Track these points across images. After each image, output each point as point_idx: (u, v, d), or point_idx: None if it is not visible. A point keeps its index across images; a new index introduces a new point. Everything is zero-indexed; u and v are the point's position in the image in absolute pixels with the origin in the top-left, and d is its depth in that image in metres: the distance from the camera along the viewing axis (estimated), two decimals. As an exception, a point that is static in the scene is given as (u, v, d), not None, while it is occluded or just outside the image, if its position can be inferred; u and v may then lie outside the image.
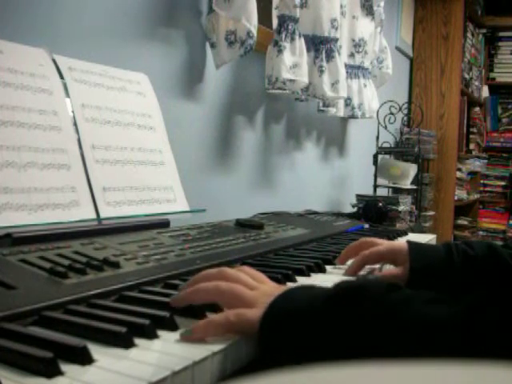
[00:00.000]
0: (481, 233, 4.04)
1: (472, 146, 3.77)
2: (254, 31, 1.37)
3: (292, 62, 1.54)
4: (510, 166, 4.10)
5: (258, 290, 0.57)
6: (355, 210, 1.95)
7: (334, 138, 2.26)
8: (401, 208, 2.03)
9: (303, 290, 0.55)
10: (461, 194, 3.41)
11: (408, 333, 0.46)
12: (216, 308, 0.57)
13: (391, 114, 2.39)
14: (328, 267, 0.85)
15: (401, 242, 0.90)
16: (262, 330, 0.51)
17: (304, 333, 0.50)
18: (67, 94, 0.91)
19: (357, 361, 0.46)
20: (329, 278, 0.80)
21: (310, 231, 1.12)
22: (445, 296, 0.50)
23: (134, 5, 1.21)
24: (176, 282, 0.66)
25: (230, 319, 0.51)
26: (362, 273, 0.87)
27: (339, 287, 0.53)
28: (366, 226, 1.45)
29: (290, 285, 0.70)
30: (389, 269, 0.89)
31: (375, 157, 2.25)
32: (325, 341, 0.49)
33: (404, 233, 1.36)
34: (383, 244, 0.90)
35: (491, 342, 0.43)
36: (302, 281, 0.74)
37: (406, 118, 2.72)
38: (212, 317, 0.52)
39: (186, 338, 0.49)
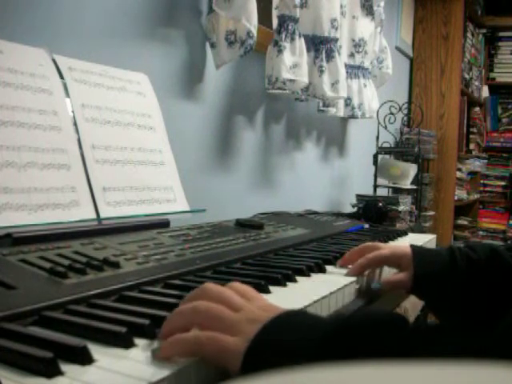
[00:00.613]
0: (481, 233, 4.04)
1: (472, 146, 3.77)
2: (254, 31, 1.37)
3: (292, 62, 1.54)
4: (510, 166, 4.10)
5: (242, 312, 0.48)
6: (355, 210, 1.95)
7: (334, 138, 2.26)
8: (401, 208, 2.03)
9: (295, 319, 0.47)
10: (461, 194, 3.41)
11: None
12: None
13: (391, 114, 2.39)
14: (328, 267, 0.85)
15: (404, 245, 0.90)
16: (245, 366, 0.44)
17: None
18: (67, 94, 0.91)
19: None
20: (329, 278, 0.80)
21: (309, 231, 1.12)
22: (454, 327, 0.45)
23: (133, 5, 1.21)
24: (176, 282, 0.66)
25: (202, 340, 0.45)
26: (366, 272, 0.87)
27: (340, 322, 0.47)
28: (366, 226, 1.45)
29: (290, 286, 0.70)
30: (393, 273, 0.89)
31: (375, 157, 2.25)
32: None
33: (404, 233, 1.36)
34: (386, 248, 0.90)
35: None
36: (302, 281, 0.74)
37: (405, 118, 2.72)
38: (182, 334, 0.46)
39: (155, 356, 0.44)
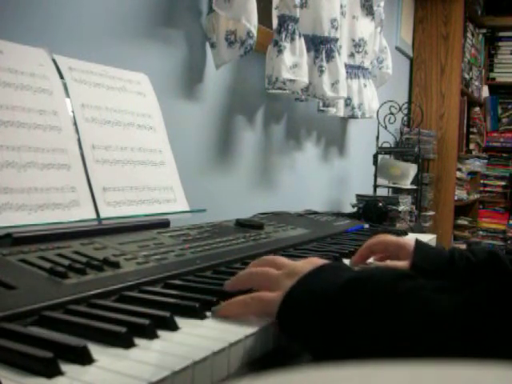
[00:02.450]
0: (481, 233, 4.04)
1: (472, 146, 3.78)
2: (254, 31, 1.37)
3: (292, 62, 1.54)
4: (510, 166, 4.10)
5: (284, 269, 0.60)
6: (355, 210, 1.95)
7: (334, 138, 2.26)
8: (401, 208, 2.03)
9: (325, 273, 0.57)
10: (461, 194, 3.41)
11: (412, 321, 0.48)
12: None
13: (391, 114, 2.39)
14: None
15: (409, 239, 0.92)
16: (279, 315, 0.54)
17: (318, 320, 0.52)
18: (67, 94, 0.91)
19: (364, 352, 0.48)
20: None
21: (310, 231, 1.12)
22: (450, 284, 0.52)
23: (133, 5, 1.21)
24: (176, 282, 0.66)
25: (247, 300, 0.56)
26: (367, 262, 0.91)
27: (352, 276, 0.55)
28: (366, 225, 1.45)
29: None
30: (393, 262, 0.90)
31: (375, 157, 2.25)
32: (337, 328, 0.51)
33: (404, 233, 1.36)
34: (392, 237, 0.93)
35: (489, 334, 0.44)
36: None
37: (406, 118, 2.72)
38: (235, 297, 0.57)
39: (215, 314, 0.55)
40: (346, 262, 0.92)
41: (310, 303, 0.53)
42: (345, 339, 0.50)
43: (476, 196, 3.87)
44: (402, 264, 0.87)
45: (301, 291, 0.55)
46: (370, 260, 0.93)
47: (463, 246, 3.48)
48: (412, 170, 2.30)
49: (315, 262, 0.61)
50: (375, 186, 2.25)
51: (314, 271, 0.58)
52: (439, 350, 0.45)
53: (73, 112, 0.90)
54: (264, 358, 0.54)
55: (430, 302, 0.48)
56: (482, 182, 4.06)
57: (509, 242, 3.95)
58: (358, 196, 2.04)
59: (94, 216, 0.85)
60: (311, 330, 0.53)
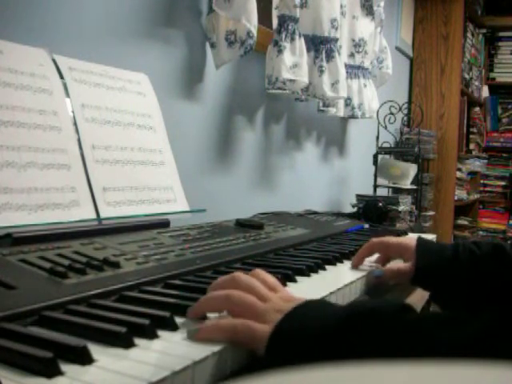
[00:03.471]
0: (481, 233, 4.04)
1: (472, 146, 3.77)
2: (254, 31, 1.37)
3: (292, 62, 1.54)
4: (510, 166, 4.10)
5: (270, 303, 0.54)
6: (355, 210, 1.95)
7: (334, 138, 2.26)
8: (401, 208, 2.03)
9: (313, 308, 0.53)
10: (461, 194, 3.41)
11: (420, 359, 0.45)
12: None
13: (391, 114, 2.39)
14: (328, 267, 0.85)
15: (410, 238, 0.91)
16: (268, 351, 0.50)
17: (313, 357, 0.48)
18: (67, 94, 0.91)
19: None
20: (329, 278, 0.80)
21: (310, 231, 1.12)
22: (455, 316, 0.49)
23: (133, 5, 1.21)
24: (176, 282, 0.66)
25: (237, 328, 0.50)
26: (366, 264, 0.90)
27: (351, 310, 0.52)
28: (366, 226, 1.45)
29: (290, 285, 0.71)
30: (396, 264, 0.90)
31: (375, 157, 2.25)
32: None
33: (404, 233, 1.36)
34: (393, 239, 0.92)
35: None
36: (302, 281, 0.74)
37: (405, 118, 2.72)
38: (220, 321, 0.52)
39: (191, 337, 0.49)
40: (347, 262, 0.92)
41: (304, 340, 0.49)
42: None
43: (476, 196, 3.86)
44: (406, 267, 0.86)
45: (291, 329, 0.50)
46: (373, 261, 0.92)
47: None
48: (412, 169, 2.30)
49: (291, 299, 0.56)
50: (375, 186, 2.25)
51: (301, 307, 0.53)
52: None
53: (73, 112, 0.90)
54: (264, 358, 0.54)
55: (435, 340, 0.46)
56: (482, 182, 4.06)
57: (509, 241, 3.95)
58: (358, 196, 2.04)
59: (94, 216, 0.85)
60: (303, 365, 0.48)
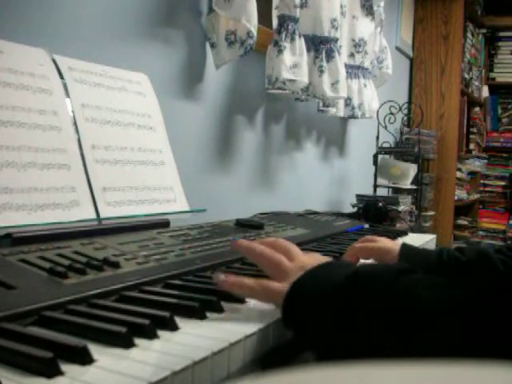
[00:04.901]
0: (481, 233, 4.04)
1: (472, 146, 3.77)
2: (254, 31, 1.37)
3: (292, 62, 1.54)
4: (510, 166, 4.10)
5: (296, 261, 0.62)
6: (355, 209, 1.95)
7: (334, 138, 2.26)
8: (401, 208, 2.03)
9: (326, 269, 0.59)
10: (461, 194, 3.41)
11: (411, 316, 0.49)
12: (217, 308, 0.57)
13: (391, 114, 2.39)
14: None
15: (394, 242, 0.91)
16: (285, 305, 0.56)
17: (320, 314, 0.54)
18: (67, 94, 0.91)
19: (363, 348, 0.49)
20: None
21: (310, 231, 1.12)
22: (450, 280, 0.53)
23: (134, 5, 1.21)
24: (176, 282, 0.66)
25: (255, 288, 0.59)
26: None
27: (355, 272, 0.56)
28: (366, 225, 1.45)
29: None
30: None
31: (375, 157, 2.25)
32: (338, 323, 0.52)
33: (404, 233, 1.36)
34: (379, 242, 0.91)
35: (491, 328, 0.44)
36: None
37: (406, 118, 2.72)
38: (242, 279, 0.60)
39: (217, 280, 0.59)
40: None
41: (313, 298, 0.55)
42: (345, 333, 0.51)
43: (476, 196, 3.86)
44: None
45: (307, 284, 0.57)
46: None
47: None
48: (412, 169, 2.30)
49: (319, 258, 0.64)
50: (375, 186, 2.25)
51: (321, 266, 0.60)
52: (428, 349, 0.46)
53: (73, 112, 0.90)
54: (264, 358, 0.54)
55: (424, 300, 0.49)
56: (482, 182, 4.06)
57: (509, 242, 3.95)
58: (358, 196, 2.04)
59: (94, 216, 0.85)
60: (313, 322, 0.54)
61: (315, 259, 0.64)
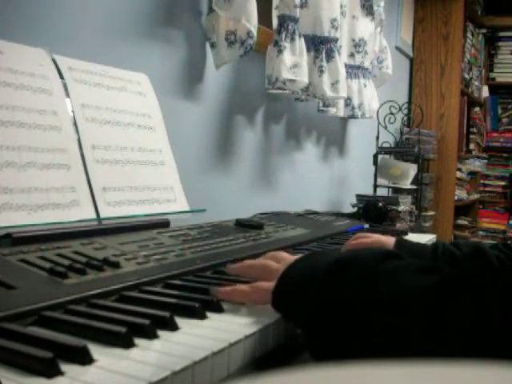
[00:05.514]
0: (481, 233, 4.04)
1: (472, 146, 3.77)
2: (254, 31, 1.37)
3: (292, 62, 1.54)
4: (510, 166, 4.09)
5: (282, 262, 0.64)
6: (355, 210, 1.95)
7: (334, 138, 2.26)
8: (401, 208, 2.03)
9: (311, 258, 0.61)
10: (461, 194, 3.41)
11: (382, 301, 0.49)
12: (216, 307, 0.57)
13: (391, 114, 2.39)
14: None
15: (389, 237, 0.91)
16: (273, 296, 0.58)
17: (305, 300, 0.54)
18: (67, 94, 0.91)
19: (346, 329, 0.49)
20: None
21: (310, 231, 1.12)
22: (436, 265, 0.53)
23: (134, 5, 1.21)
24: (176, 282, 0.66)
25: (249, 291, 0.60)
26: None
27: (340, 256, 0.57)
28: (366, 225, 1.45)
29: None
30: None
31: (375, 157, 2.25)
32: (320, 309, 0.52)
33: (404, 233, 1.36)
34: (372, 237, 0.92)
35: (460, 312, 0.44)
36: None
37: (406, 118, 2.72)
38: (236, 286, 0.62)
39: (214, 292, 0.60)
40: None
41: (298, 284, 0.56)
42: (330, 317, 0.51)
43: (476, 196, 3.86)
44: None
45: (291, 274, 0.59)
46: None
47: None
48: (412, 169, 2.30)
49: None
50: (375, 186, 2.25)
51: (304, 257, 0.62)
52: (404, 332, 0.45)
53: (73, 112, 0.90)
54: (264, 358, 0.54)
55: (404, 282, 0.49)
56: (482, 182, 4.06)
57: (509, 242, 3.95)
58: (358, 196, 2.04)
59: (94, 216, 0.85)
60: (300, 308, 0.55)
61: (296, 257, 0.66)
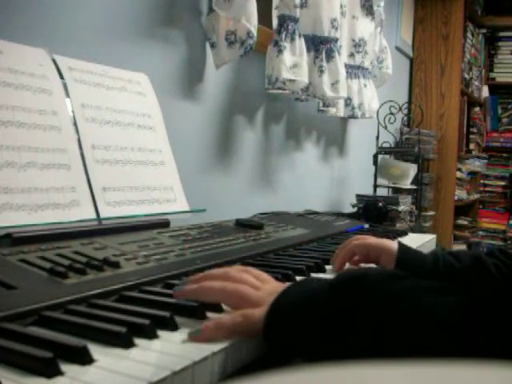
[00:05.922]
0: (481, 233, 4.04)
1: (472, 146, 3.77)
2: (254, 31, 1.37)
3: (292, 62, 1.54)
4: (510, 166, 4.09)
5: (263, 289, 0.57)
6: (355, 210, 1.95)
7: (334, 138, 2.26)
8: (401, 208, 2.03)
9: (305, 284, 0.57)
10: (461, 194, 3.41)
11: (405, 323, 0.47)
12: (216, 307, 0.57)
13: (391, 114, 2.39)
14: (328, 267, 0.85)
15: (391, 241, 0.90)
16: (266, 326, 0.52)
17: (307, 325, 0.51)
18: (67, 94, 0.91)
19: (357, 353, 0.48)
20: (328, 278, 0.80)
21: (309, 231, 1.12)
22: (446, 286, 0.51)
23: (134, 5, 1.21)
24: (176, 282, 0.66)
25: (237, 320, 0.52)
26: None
27: (341, 276, 0.54)
28: (366, 225, 1.45)
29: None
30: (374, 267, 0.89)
31: (375, 157, 2.25)
32: (327, 332, 0.49)
33: (404, 233, 1.36)
34: (369, 239, 0.91)
35: (489, 336, 0.43)
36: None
37: (405, 118, 2.72)
38: (220, 318, 0.52)
39: (195, 339, 0.49)
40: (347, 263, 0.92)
41: (298, 310, 0.52)
42: (339, 339, 0.49)
43: (476, 196, 3.86)
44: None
45: (285, 302, 0.53)
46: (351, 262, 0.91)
47: (463, 246, 3.48)
48: (412, 169, 2.30)
49: (282, 285, 0.59)
50: (375, 186, 2.25)
51: (297, 283, 0.58)
52: (428, 352, 0.45)
53: (73, 112, 0.90)
54: (263, 358, 0.54)
55: (423, 303, 0.48)
56: (482, 182, 4.05)
57: (509, 242, 3.95)
58: (358, 196, 2.04)
59: (94, 216, 0.85)
60: (299, 335, 0.51)
61: (278, 284, 0.60)
